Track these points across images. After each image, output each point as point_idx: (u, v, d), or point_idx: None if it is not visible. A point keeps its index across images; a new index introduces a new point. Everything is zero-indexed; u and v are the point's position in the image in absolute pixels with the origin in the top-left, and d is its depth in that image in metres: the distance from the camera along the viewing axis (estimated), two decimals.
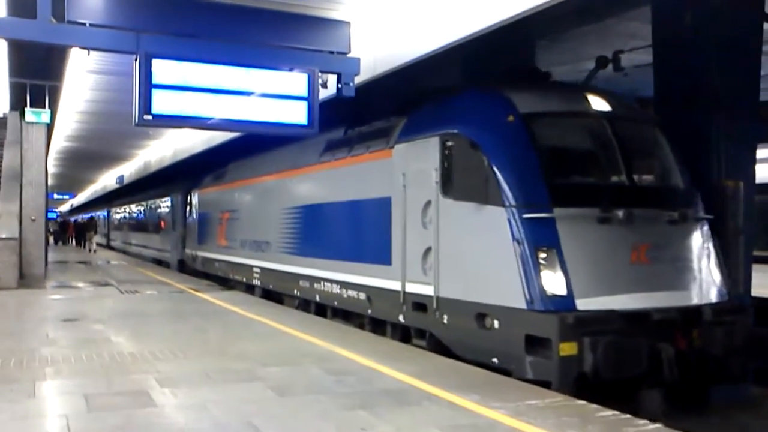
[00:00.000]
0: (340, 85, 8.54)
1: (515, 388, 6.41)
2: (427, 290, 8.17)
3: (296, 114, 8.09)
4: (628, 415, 5.49)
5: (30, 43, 8.03)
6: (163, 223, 26.26)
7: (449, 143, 8.00)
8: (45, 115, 17.76)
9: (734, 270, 8.22)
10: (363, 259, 9.79)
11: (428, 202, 8.21)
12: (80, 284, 17.03)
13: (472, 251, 7.61)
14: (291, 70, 8.06)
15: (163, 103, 7.44)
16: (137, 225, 34.55)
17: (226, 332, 9.69)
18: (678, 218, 7.45)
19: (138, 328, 9.95)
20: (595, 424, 5.23)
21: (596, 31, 10.00)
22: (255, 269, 14.46)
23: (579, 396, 6.11)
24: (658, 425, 5.27)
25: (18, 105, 18.31)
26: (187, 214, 21.52)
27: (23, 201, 18.09)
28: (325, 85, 8.36)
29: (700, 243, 7.66)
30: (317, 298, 11.35)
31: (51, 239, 38.27)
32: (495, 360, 7.15)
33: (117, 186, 36.00)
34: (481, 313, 7.32)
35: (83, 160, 29.18)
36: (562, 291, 6.78)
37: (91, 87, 14.04)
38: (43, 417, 5.50)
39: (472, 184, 7.60)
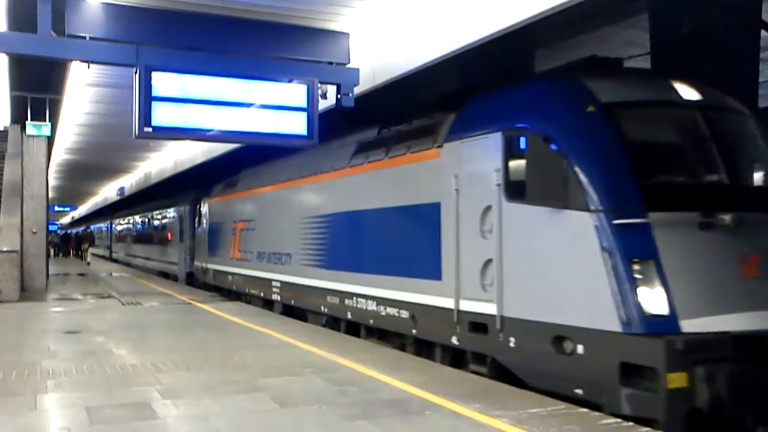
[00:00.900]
0: (339, 96, 8.58)
1: (517, 396, 6.40)
2: (488, 309, 7.17)
3: (296, 125, 8.12)
4: (631, 423, 5.48)
5: (31, 57, 8.08)
6: (169, 235, 25.34)
7: (515, 140, 7.03)
8: (46, 128, 17.81)
9: None
10: (406, 272, 8.75)
11: (488, 208, 7.25)
12: (81, 296, 17.02)
13: (546, 264, 6.58)
14: (290, 81, 8.10)
15: (163, 115, 7.48)
16: (141, 237, 33.38)
17: (228, 343, 9.68)
18: None
19: (140, 340, 9.94)
20: None
21: (594, 39, 10.05)
22: (274, 283, 13.44)
23: None
24: None
25: (19, 118, 18.36)
26: (196, 225, 20.70)
27: (24, 214, 18.12)
28: (324, 96, 8.39)
29: None
30: (349, 316, 10.28)
31: (52, 252, 38.25)
32: (579, 391, 6.16)
33: (119, 198, 35.80)
34: (560, 336, 6.33)
35: (84, 172, 29.22)
36: (663, 310, 5.79)
37: (91, 100, 14.08)
38: (45, 430, 5.50)
39: (546, 186, 6.62)
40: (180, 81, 7.59)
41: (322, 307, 11.12)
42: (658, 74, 7.89)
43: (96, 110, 15.16)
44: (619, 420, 5.54)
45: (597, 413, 5.76)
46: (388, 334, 9.47)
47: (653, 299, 5.82)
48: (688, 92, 6.86)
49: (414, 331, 8.66)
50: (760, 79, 9.06)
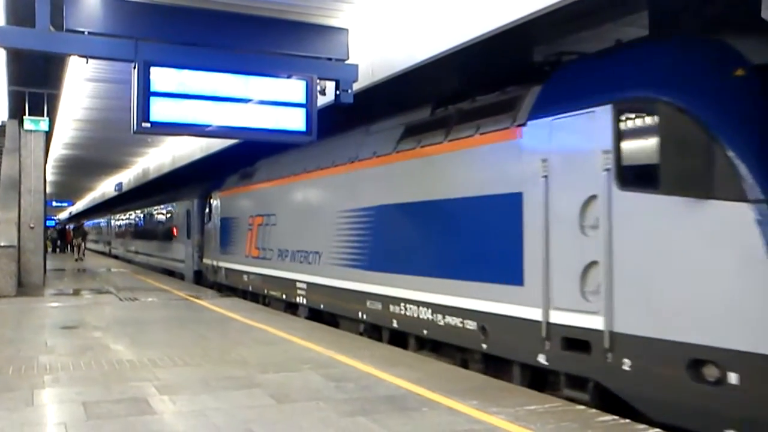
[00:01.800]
0: (338, 92, 8.56)
1: (514, 393, 6.41)
2: (591, 322, 5.97)
3: (295, 121, 8.10)
4: (628, 420, 5.48)
5: (29, 52, 8.05)
6: (175, 230, 23.93)
7: (633, 113, 5.82)
8: (43, 123, 17.77)
9: None
10: (473, 275, 7.52)
11: (591, 199, 6.05)
12: (79, 292, 17.01)
13: (679, 267, 5.35)
14: (289, 77, 8.08)
15: (161, 110, 7.46)
16: (144, 232, 31.82)
17: (226, 339, 9.68)
18: None
19: (137, 336, 9.94)
20: (595, 428, 5.23)
21: (594, 36, 10.04)
22: (299, 285, 12.20)
23: None
24: (657, 430, 5.26)
25: (17, 113, 18.32)
26: (206, 220, 19.49)
27: (22, 209, 18.10)
28: (323, 92, 8.38)
29: None
30: (394, 324, 9.07)
31: (50, 247, 38.18)
32: None
33: (117, 193, 35.18)
34: (698, 360, 5.16)
35: (82, 168, 29.16)
36: None
37: (89, 95, 14.04)
38: (42, 425, 5.50)
39: (680, 171, 5.36)
40: (179, 76, 7.57)
41: (360, 313, 9.88)
42: None
43: (94, 105, 15.12)
44: (616, 417, 5.55)
45: (594, 410, 5.77)
46: (444, 347, 8.34)
47: None
48: None
49: (484, 346, 7.39)
50: None
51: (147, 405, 5.90)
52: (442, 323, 8.07)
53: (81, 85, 13.17)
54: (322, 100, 8.48)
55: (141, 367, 7.51)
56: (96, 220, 55.02)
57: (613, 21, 8.59)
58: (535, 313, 6.59)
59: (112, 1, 7.53)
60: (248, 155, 16.12)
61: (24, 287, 17.05)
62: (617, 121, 5.91)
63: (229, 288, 16.93)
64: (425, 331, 8.45)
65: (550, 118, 6.59)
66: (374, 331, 9.88)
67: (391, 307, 9.11)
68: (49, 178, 29.85)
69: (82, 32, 7.33)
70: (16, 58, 12.91)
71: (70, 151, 23.65)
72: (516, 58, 9.01)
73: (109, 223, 46.68)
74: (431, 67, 8.37)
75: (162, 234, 26.70)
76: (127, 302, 14.64)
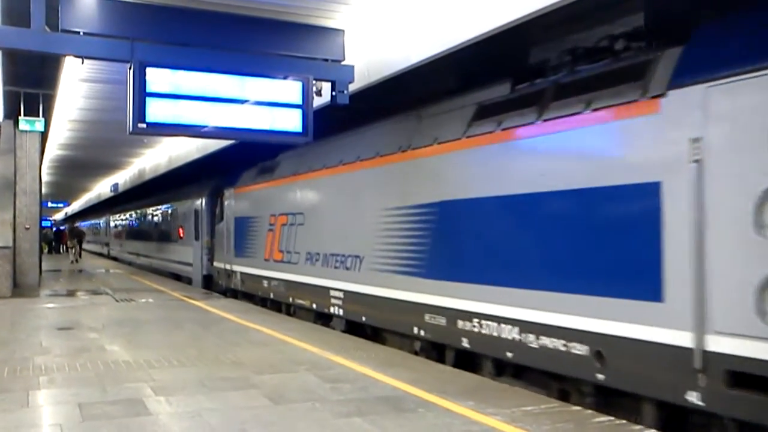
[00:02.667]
0: (334, 93, 8.56)
1: (511, 394, 6.41)
2: None
3: (291, 122, 8.10)
4: (624, 421, 5.49)
5: (24, 52, 8.03)
6: (181, 231, 22.18)
7: None
8: (39, 124, 17.72)
9: None
10: (584, 287, 6.14)
11: None
12: (75, 293, 16.97)
13: None
14: (285, 78, 8.07)
15: (157, 111, 7.45)
16: (146, 233, 29.92)
17: (221, 340, 9.66)
18: None
19: (133, 337, 9.92)
20: (591, 430, 5.24)
21: (590, 37, 10.05)
22: (334, 293, 10.75)
23: None
24: (652, 431, 5.27)
25: (12, 113, 18.26)
26: (217, 220, 17.96)
27: (17, 209, 18.06)
28: (319, 93, 8.38)
29: None
30: (464, 344, 7.64)
31: (45, 248, 38.03)
32: None
33: (113, 193, 34.13)
34: None
35: (77, 168, 29.07)
36: None
37: (85, 95, 14.00)
38: (37, 427, 5.48)
39: None
40: (174, 77, 7.55)
41: (416, 329, 8.52)
42: None
43: (89, 106, 15.08)
44: (611, 418, 5.55)
45: (590, 411, 5.78)
46: (533, 374, 6.94)
47: None
48: None
49: (599, 376, 5.95)
50: None
51: (143, 406, 5.90)
52: (534, 345, 6.59)
53: (76, 85, 13.14)
54: (318, 101, 8.47)
55: (137, 368, 7.49)
56: (93, 221, 54.47)
57: (609, 23, 8.62)
58: (681, 338, 5.20)
59: (108, 2, 7.51)
60: (250, 153, 15.36)
61: (19, 288, 17.01)
62: None
63: (245, 295, 15.52)
64: (509, 354, 6.95)
65: (706, 85, 5.20)
66: (434, 350, 8.50)
67: (460, 323, 7.66)
68: (45, 178, 29.77)
69: (78, 32, 7.31)
70: (11, 58, 12.87)
71: (66, 152, 23.58)
72: (511, 59, 9.01)
73: (107, 223, 45.24)
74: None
75: (166, 235, 25.10)
76: (123, 303, 14.61)
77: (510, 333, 6.95)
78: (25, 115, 17.57)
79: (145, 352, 8.43)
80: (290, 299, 12.71)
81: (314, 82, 8.22)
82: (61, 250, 43.79)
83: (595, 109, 6.18)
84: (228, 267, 16.62)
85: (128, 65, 7.44)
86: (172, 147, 20.98)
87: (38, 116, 17.57)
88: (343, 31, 8.60)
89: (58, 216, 76.47)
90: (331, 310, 10.90)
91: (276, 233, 13.44)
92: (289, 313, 12.90)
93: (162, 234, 26.03)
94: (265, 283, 13.92)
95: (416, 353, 8.69)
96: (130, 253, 34.31)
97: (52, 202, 49.86)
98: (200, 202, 19.57)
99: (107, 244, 44.38)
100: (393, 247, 9.18)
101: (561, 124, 6.54)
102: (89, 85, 13.04)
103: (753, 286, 4.76)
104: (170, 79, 7.53)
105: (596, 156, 6.21)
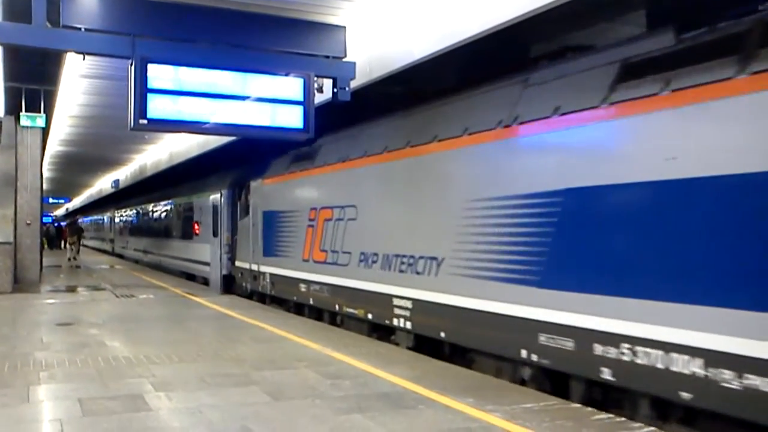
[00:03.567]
0: (335, 90, 8.56)
1: (511, 391, 6.42)
2: None
3: (292, 118, 8.09)
4: (623, 419, 5.50)
5: (25, 48, 8.02)
6: (196, 227, 20.24)
7: None
8: (40, 120, 17.76)
9: None
10: None
11: None
12: (75, 288, 16.99)
13: None
14: (287, 74, 8.07)
15: (158, 107, 7.44)
16: (155, 229, 27.95)
17: (222, 336, 9.68)
18: None
19: (133, 332, 9.94)
20: (590, 427, 5.24)
21: (590, 35, 10.05)
22: (399, 301, 9.01)
23: None
24: (652, 428, 5.28)
25: (13, 109, 18.28)
26: (239, 215, 16.25)
27: (18, 205, 18.08)
28: (321, 90, 8.38)
29: None
30: (606, 375, 5.86)
31: (45, 244, 37.99)
32: None
33: (118, 188, 33.56)
34: None
35: (78, 164, 29.10)
36: None
37: (86, 91, 14.01)
38: (38, 422, 5.49)
39: None
40: (176, 73, 7.55)
41: (525, 352, 6.79)
42: None
43: (91, 102, 15.09)
44: (611, 415, 5.56)
45: (590, 408, 5.78)
46: (720, 422, 5.17)
47: None
48: None
49: None
50: None
51: (143, 401, 5.91)
52: (736, 386, 4.81)
53: (77, 81, 13.15)
54: (319, 98, 8.47)
55: (137, 364, 7.51)
56: (96, 216, 53.65)
57: (611, 20, 8.62)
58: None
59: None
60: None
61: (20, 284, 17.03)
62: None
63: (275, 299, 13.82)
64: (685, 395, 5.19)
65: None
66: (550, 378, 6.77)
67: (599, 349, 5.92)
68: (46, 174, 29.80)
69: (79, 29, 7.30)
70: (12, 54, 12.87)
71: (67, 148, 23.60)
72: (514, 56, 9.01)
73: (111, 219, 42.81)
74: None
75: (179, 231, 23.11)
76: (124, 299, 14.63)
77: (688, 366, 5.17)
78: (26, 111, 17.60)
79: (145, 348, 8.45)
80: (337, 307, 10.74)
81: (316, 78, 8.22)
82: (62, 246, 43.84)
83: None
84: (254, 267, 14.71)
85: (129, 61, 7.44)
86: (178, 141, 20.90)
87: (39, 112, 17.60)
88: (345, 27, 8.60)
89: (59, 212, 76.56)
90: (394, 322, 9.07)
91: (318, 230, 11.59)
92: (334, 323, 11.13)
93: (173, 230, 24.05)
94: (303, 287, 12.07)
95: (522, 382, 6.93)
96: (136, 250, 32.40)
97: (53, 198, 49.95)
98: (219, 196, 17.63)
99: (111, 241, 42.39)
100: (489, 248, 7.36)
101: None
102: (90, 81, 13.05)
103: None
104: (171, 75, 7.52)
105: None
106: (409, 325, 8.85)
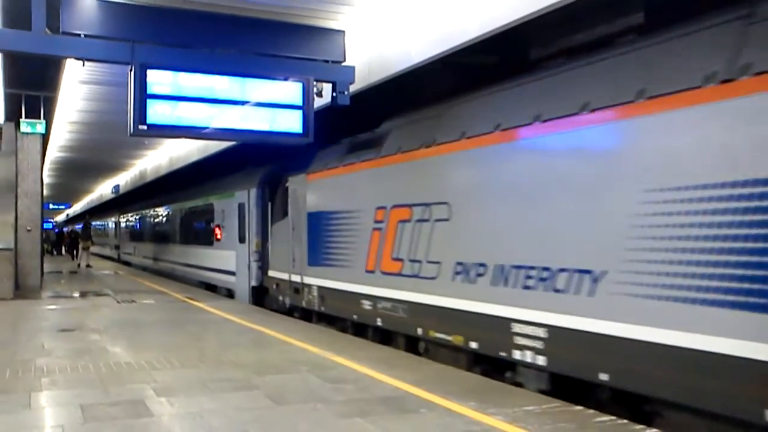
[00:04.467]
0: (335, 94, 8.57)
1: (512, 394, 6.41)
2: None
3: (291, 123, 8.11)
4: (625, 420, 5.49)
5: (25, 55, 8.04)
6: (218, 231, 18.05)
7: None
8: (40, 126, 17.79)
9: None
10: None
11: None
12: (76, 294, 16.99)
13: None
14: (286, 79, 8.09)
15: (158, 112, 7.47)
16: (167, 235, 25.74)
17: (223, 341, 9.67)
18: None
19: (134, 338, 9.93)
20: (593, 429, 5.24)
21: (591, 36, 10.06)
22: (524, 328, 6.94)
23: None
24: (654, 430, 5.27)
25: (13, 116, 18.30)
26: (273, 217, 14.05)
27: (18, 211, 18.08)
28: (320, 94, 8.39)
29: None
30: None
31: (49, 249, 37.93)
32: None
33: (126, 191, 32.57)
34: None
35: (79, 170, 29.13)
36: None
37: (86, 97, 14.04)
38: (39, 428, 5.48)
39: None
40: (175, 78, 7.57)
41: None
42: None
43: (90, 108, 15.12)
44: (613, 417, 5.55)
45: (592, 411, 5.78)
46: None
47: None
48: None
49: None
50: None
51: (144, 407, 5.90)
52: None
53: (77, 87, 13.17)
54: (318, 102, 8.49)
55: (138, 370, 7.50)
56: (99, 222, 50.47)
57: (608, 22, 8.64)
58: None
59: (108, 4, 7.53)
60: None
61: (21, 290, 17.03)
62: None
63: (324, 317, 11.70)
64: None
65: None
66: None
67: None
68: (46, 180, 29.81)
69: (79, 35, 7.33)
70: (12, 60, 12.90)
71: (67, 154, 23.63)
72: (512, 60, 9.01)
73: (116, 223, 40.33)
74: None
75: (195, 236, 20.90)
76: (125, 305, 14.62)
77: None
78: (26, 117, 17.63)
79: (146, 354, 8.44)
80: (419, 331, 8.67)
81: (315, 83, 8.24)
82: (63, 252, 43.82)
83: None
84: (295, 278, 12.55)
85: (129, 67, 7.46)
86: (182, 142, 20.71)
87: (39, 118, 17.63)
88: (344, 32, 8.62)
89: (60, 218, 76.60)
90: (515, 354, 7.02)
91: (388, 233, 9.40)
92: (414, 350, 8.97)
93: (189, 235, 21.84)
94: (367, 305, 9.94)
95: None
96: (145, 257, 30.09)
97: (53, 204, 49.99)
98: (246, 195, 15.54)
99: (117, 247, 39.75)
100: (710, 258, 5.12)
101: None
102: (90, 87, 13.08)
103: None
104: (171, 80, 7.55)
105: None
106: (541, 360, 6.70)
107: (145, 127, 7.46)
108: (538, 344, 6.76)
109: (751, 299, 4.82)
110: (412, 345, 9.15)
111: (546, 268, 6.71)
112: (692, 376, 5.21)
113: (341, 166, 11.09)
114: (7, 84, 15.37)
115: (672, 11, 6.34)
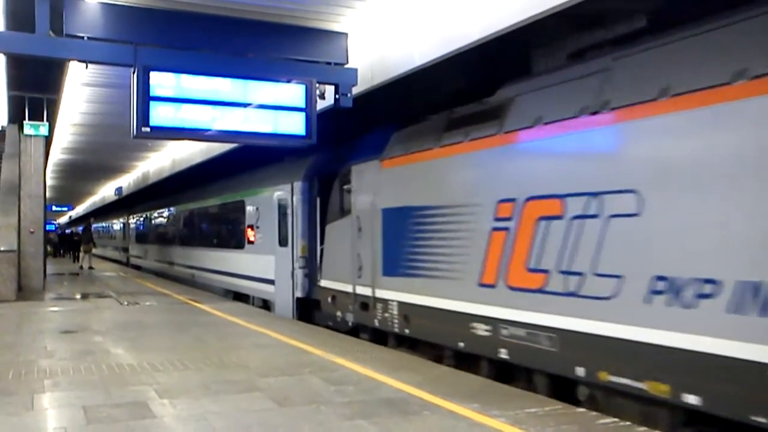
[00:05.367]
0: (337, 96, 8.58)
1: (515, 396, 6.41)
2: None
3: (294, 125, 8.11)
4: (628, 423, 5.49)
5: (29, 57, 8.07)
6: (250, 233, 15.72)
7: None
8: (43, 128, 17.82)
9: None
10: None
11: None
12: (79, 296, 17.01)
13: None
14: (289, 81, 8.10)
15: (161, 115, 7.48)
16: (184, 237, 23.08)
17: (226, 343, 9.67)
18: None
19: (137, 340, 9.94)
20: (595, 431, 5.23)
21: (593, 37, 10.06)
22: None
23: None
24: None
25: (16, 118, 18.35)
26: (329, 215, 11.63)
27: (22, 213, 18.13)
28: (323, 96, 8.40)
29: None
30: None
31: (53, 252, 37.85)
32: None
33: (121, 195, 32.30)
34: None
35: (82, 172, 29.17)
36: None
37: (89, 99, 14.06)
38: (42, 430, 5.49)
39: None
40: (178, 81, 7.58)
41: None
42: None
43: (93, 110, 15.14)
44: (616, 420, 5.55)
45: (594, 413, 5.77)
46: None
47: None
48: None
49: None
50: None
51: (147, 409, 5.90)
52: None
53: (80, 89, 13.20)
54: (321, 104, 8.49)
55: (141, 371, 7.51)
56: (105, 223, 48.40)
57: (611, 24, 8.63)
58: None
59: (112, 6, 7.55)
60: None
61: (24, 291, 17.05)
62: None
63: (404, 339, 9.28)
64: None
65: None
66: None
67: None
68: (49, 182, 29.86)
69: (82, 37, 7.34)
70: (16, 63, 12.94)
71: (70, 156, 23.67)
72: (514, 62, 9.01)
73: (125, 224, 37.28)
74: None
75: (222, 238, 18.64)
76: (128, 306, 14.63)
77: None
78: (29, 119, 17.66)
79: (149, 355, 8.45)
80: (581, 371, 6.27)
81: (317, 85, 8.24)
82: (64, 254, 43.84)
83: None
84: (363, 291, 10.09)
85: (132, 69, 7.48)
86: (178, 149, 20.82)
87: (42, 120, 17.67)
88: (347, 34, 8.63)
89: (62, 219, 76.70)
90: None
91: (520, 235, 7.08)
92: (566, 396, 6.57)
93: (213, 237, 19.57)
94: (483, 329, 7.56)
95: None
96: (158, 260, 27.41)
97: (56, 206, 50.05)
98: (289, 190, 13.30)
99: (125, 250, 36.71)
100: None
101: None
102: (93, 89, 13.10)
103: None
104: (174, 82, 7.56)
105: None
106: None
107: (148, 129, 7.47)
108: None
109: None
110: (563, 388, 6.70)
111: None
112: None
113: (437, 148, 8.56)
114: (11, 86, 15.41)
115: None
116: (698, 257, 5.26)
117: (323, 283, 11.64)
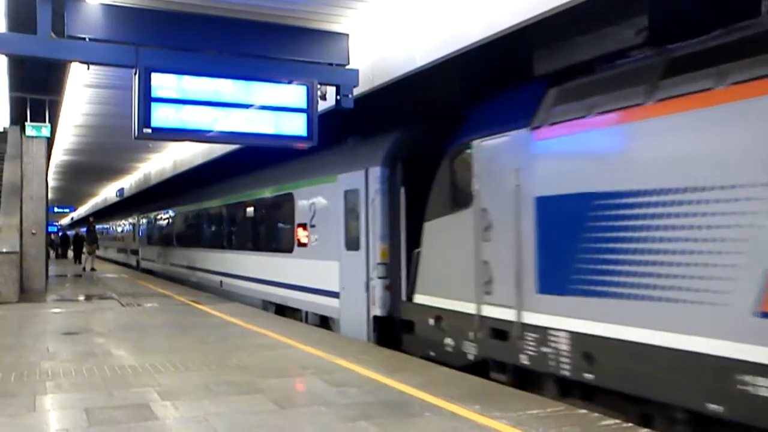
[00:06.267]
0: (339, 97, 8.58)
1: (517, 397, 6.39)
2: None
3: (296, 126, 8.12)
4: (631, 424, 5.47)
5: (30, 58, 8.10)
6: (301, 233, 12.84)
7: None
8: (45, 130, 17.84)
9: None
10: None
11: None
12: (81, 298, 17.02)
13: None
14: (290, 82, 8.10)
15: (162, 116, 7.49)
16: (210, 238, 19.81)
17: (227, 344, 9.66)
18: None
19: (139, 341, 9.94)
20: None
21: (594, 39, 10.06)
22: None
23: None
24: None
25: (18, 119, 18.38)
26: (428, 209, 8.66)
27: (24, 215, 18.14)
28: (324, 97, 8.40)
29: None
30: None
31: (52, 253, 37.85)
32: None
33: (123, 197, 32.02)
34: None
35: (83, 173, 29.21)
36: None
37: (90, 101, 14.09)
38: (44, 431, 5.49)
39: None
40: (179, 82, 7.60)
41: None
42: None
43: (95, 111, 15.17)
44: (618, 421, 5.53)
45: (596, 414, 5.76)
46: None
47: None
48: None
49: None
50: None
51: (149, 411, 5.90)
52: None
53: (82, 91, 13.22)
54: (322, 105, 8.50)
55: (143, 373, 7.50)
56: (110, 224, 46.01)
57: (615, 25, 8.63)
58: None
59: (113, 8, 7.56)
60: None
61: (26, 293, 17.06)
62: None
63: (579, 386, 6.43)
64: None
65: None
66: None
67: None
68: (51, 183, 29.91)
69: (83, 39, 7.36)
70: (17, 64, 12.96)
71: (72, 157, 23.71)
72: (516, 63, 9.00)
73: (135, 225, 33.58)
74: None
75: (261, 239, 15.52)
76: (129, 308, 14.63)
77: None
78: (31, 120, 17.69)
79: (151, 357, 8.44)
80: None
81: (319, 86, 8.25)
82: (68, 255, 43.86)
83: None
84: (497, 313, 7.31)
85: (133, 70, 7.49)
86: (189, 149, 20.65)
87: (44, 122, 17.70)
88: (348, 35, 8.63)
89: (64, 221, 76.78)
90: None
91: None
92: None
93: (249, 238, 16.30)
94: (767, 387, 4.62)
95: None
96: (175, 265, 23.92)
97: (58, 207, 50.13)
98: (362, 178, 10.39)
99: (135, 252, 33.15)
100: None
101: None
102: (95, 90, 13.12)
103: None
104: (175, 84, 7.57)
105: None
106: None
107: (149, 131, 7.48)
108: None
109: None
110: None
111: None
112: None
113: (651, 104, 5.70)
114: (13, 88, 15.44)
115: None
116: None
117: (419, 298, 8.84)
